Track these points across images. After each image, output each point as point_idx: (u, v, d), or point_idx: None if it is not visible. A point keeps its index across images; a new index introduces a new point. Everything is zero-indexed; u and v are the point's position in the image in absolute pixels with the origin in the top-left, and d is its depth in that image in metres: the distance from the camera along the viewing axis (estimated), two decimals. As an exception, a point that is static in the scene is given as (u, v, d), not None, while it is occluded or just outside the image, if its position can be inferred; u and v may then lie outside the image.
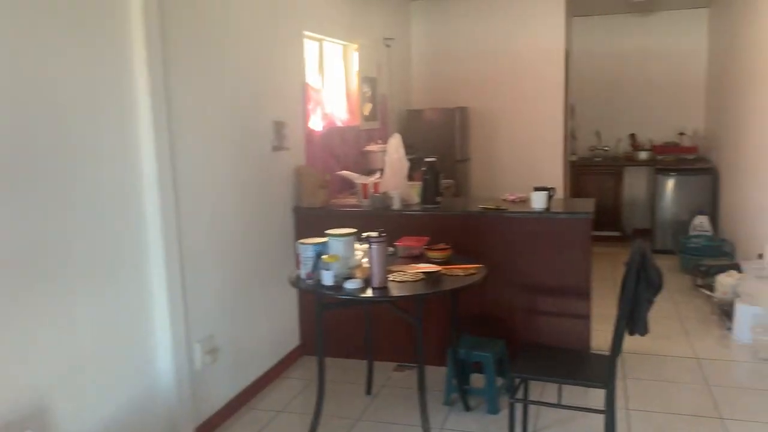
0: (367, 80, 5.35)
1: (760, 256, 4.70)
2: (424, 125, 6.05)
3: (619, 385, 3.56)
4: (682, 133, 7.46)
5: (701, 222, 6.24)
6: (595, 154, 7.86)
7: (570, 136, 7.68)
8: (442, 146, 5.97)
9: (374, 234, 2.73)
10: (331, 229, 2.91)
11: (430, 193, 3.87)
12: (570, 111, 7.52)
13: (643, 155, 7.35)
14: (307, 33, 4.26)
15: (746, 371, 3.84)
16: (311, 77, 4.45)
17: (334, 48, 4.97)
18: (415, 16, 6.60)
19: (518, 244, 3.68)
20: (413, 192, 4.08)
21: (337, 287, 2.74)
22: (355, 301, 2.88)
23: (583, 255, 3.60)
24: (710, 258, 5.63)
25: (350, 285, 2.71)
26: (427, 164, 3.89)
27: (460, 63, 6.46)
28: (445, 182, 5.36)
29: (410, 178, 4.20)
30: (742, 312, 4.16)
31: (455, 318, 3.31)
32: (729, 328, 4.35)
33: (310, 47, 4.48)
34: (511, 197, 4.10)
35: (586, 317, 3.67)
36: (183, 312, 2.94)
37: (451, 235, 3.52)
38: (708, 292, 4.90)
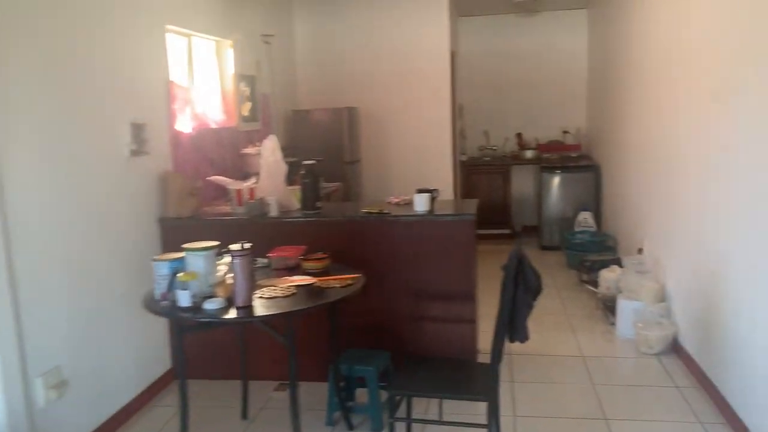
0: (245, 78, 5.05)
1: (640, 250, 4.81)
2: (311, 126, 5.81)
3: (506, 389, 3.48)
4: (566, 132, 7.64)
5: (585, 218, 6.38)
6: (484, 154, 7.91)
7: (460, 136, 7.69)
8: (330, 148, 5.76)
9: (237, 246, 2.47)
10: (200, 240, 2.62)
11: (310, 198, 3.64)
12: (459, 111, 7.52)
13: (529, 154, 7.46)
14: (170, 27, 3.91)
15: (629, 368, 3.88)
16: (177, 75, 4.09)
17: (205, 44, 4.63)
18: (298, 12, 6.35)
19: (402, 249, 3.52)
20: (294, 197, 3.83)
21: (196, 308, 2.45)
22: (216, 323, 2.60)
23: (467, 258, 3.49)
24: (594, 253, 5.74)
25: (210, 306, 2.43)
26: (306, 167, 3.65)
27: (347, 62, 6.27)
28: (332, 185, 5.14)
29: (293, 182, 3.95)
30: (624, 307, 4.21)
31: (334, 331, 3.09)
32: (613, 323, 4.40)
33: (176, 43, 4.13)
34: (395, 200, 3.94)
35: (472, 322, 3.56)
36: (16, 344, 2.54)
37: (333, 243, 3.31)
38: (592, 288, 4.98)
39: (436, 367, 2.73)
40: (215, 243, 2.61)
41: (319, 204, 3.65)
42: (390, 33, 6.20)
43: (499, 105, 7.89)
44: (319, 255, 3.04)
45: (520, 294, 2.47)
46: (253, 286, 2.54)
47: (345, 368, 3.16)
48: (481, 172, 7.53)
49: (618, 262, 5.26)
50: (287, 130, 5.86)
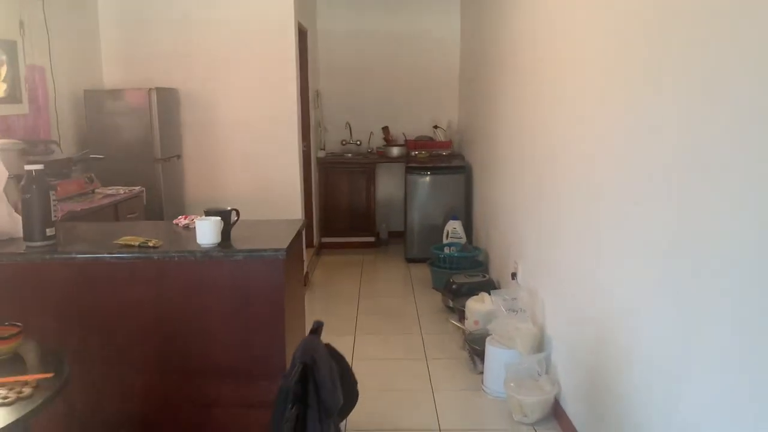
0: (1, 44, 3.65)
1: (513, 275, 3.95)
2: (111, 112, 4.47)
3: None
4: (436, 127, 6.76)
5: (454, 228, 5.50)
6: (346, 149, 6.87)
7: (318, 128, 6.58)
8: (135, 140, 4.47)
9: None
10: None
11: (35, 222, 2.38)
12: (315, 99, 6.40)
13: (396, 151, 6.50)
14: None
15: (499, 442, 2.97)
16: None
17: None
18: (100, -36, 4.96)
19: (176, 302, 2.37)
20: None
21: None
22: None
23: (273, 313, 2.39)
24: (463, 271, 4.87)
25: None
26: (29, 174, 2.39)
27: (165, 30, 4.96)
28: (125, 191, 3.87)
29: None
30: (493, 356, 3.30)
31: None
32: (482, 372, 3.49)
33: None
34: (184, 221, 2.77)
35: (284, 402, 2.47)
36: None
37: (64, 297, 2.14)
38: (456, 324, 4.05)
39: None
40: None
41: (50, 231, 2.41)
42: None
43: (363, 94, 6.87)
44: (6, 329, 1.83)
45: (311, 423, 1.40)
46: None
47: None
48: (341, 171, 6.48)
49: (489, 286, 4.39)
50: (76, 116, 4.49)
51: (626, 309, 2.24)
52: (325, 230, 6.55)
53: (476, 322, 3.87)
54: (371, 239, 6.57)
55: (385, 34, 6.76)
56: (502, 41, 4.48)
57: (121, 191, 3.86)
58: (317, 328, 1.60)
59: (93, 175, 3.75)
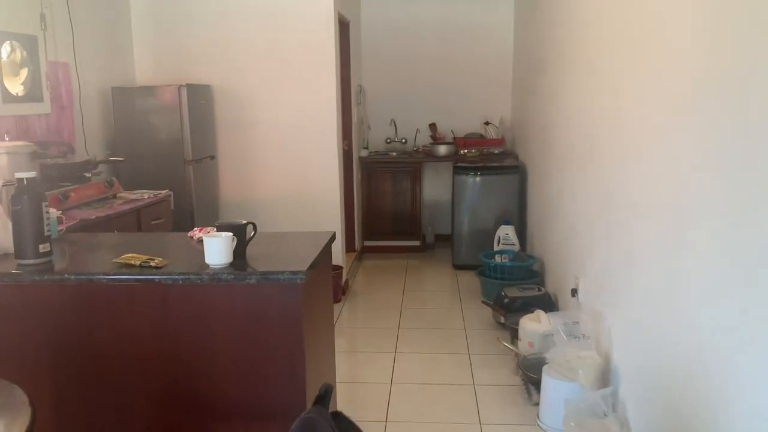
0: (20, 39, 3.43)
1: (574, 292, 3.51)
2: (140, 110, 4.23)
3: None
4: (487, 123, 6.32)
5: (507, 233, 5.07)
6: (390, 148, 6.51)
7: (361, 126, 6.24)
8: (165, 140, 4.22)
9: None
10: None
11: (27, 238, 2.10)
12: (357, 95, 6.06)
13: (443, 149, 6.09)
14: None
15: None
16: None
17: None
18: (132, -44, 4.73)
19: (179, 332, 2.05)
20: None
21: None
22: None
23: (291, 349, 2.04)
24: (516, 282, 4.45)
25: None
26: (20, 183, 2.11)
27: (201, 23, 4.70)
28: (158, 194, 3.61)
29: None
30: (551, 388, 2.89)
31: None
32: (537, 404, 3.08)
33: None
34: (198, 234, 2.46)
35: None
36: None
37: (57, 322, 1.87)
38: (507, 345, 3.64)
39: None
40: None
41: (43, 248, 2.12)
42: (256, -12, 4.67)
43: (410, 88, 6.49)
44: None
45: None
46: None
47: None
48: (385, 171, 6.12)
49: (545, 301, 3.97)
50: (104, 115, 4.26)
51: (725, 341, 1.80)
52: (368, 233, 6.21)
53: (531, 344, 3.45)
54: (416, 243, 6.20)
55: (433, 24, 6.36)
56: (563, 30, 4.03)
57: (146, 196, 3.60)
58: (324, 394, 1.25)
59: (114, 178, 3.49)
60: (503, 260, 4.88)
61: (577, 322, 3.00)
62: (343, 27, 5.56)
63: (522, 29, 5.79)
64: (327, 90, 4.70)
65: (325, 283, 2.48)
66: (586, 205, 3.35)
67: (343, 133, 5.71)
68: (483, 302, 4.13)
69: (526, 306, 3.94)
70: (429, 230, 6.36)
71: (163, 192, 3.78)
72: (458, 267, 5.56)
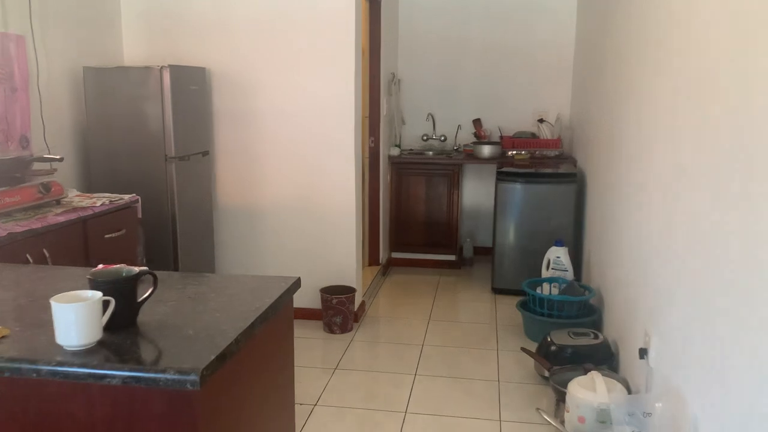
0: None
1: (643, 353, 2.62)
2: (117, 95, 3.52)
3: None
4: (541, 120, 5.40)
5: (558, 257, 4.17)
6: (427, 146, 5.67)
7: (393, 121, 5.43)
8: (142, 132, 3.51)
9: None
10: None
11: None
12: (391, 85, 5.24)
13: (487, 150, 5.21)
14: None
15: None
16: None
17: None
18: None
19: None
20: None
21: None
22: None
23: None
24: (568, 322, 3.58)
25: None
26: None
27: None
28: (121, 198, 2.90)
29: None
30: None
31: None
32: None
33: None
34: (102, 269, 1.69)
35: None
36: None
37: None
38: (550, 419, 2.75)
39: None
40: None
41: None
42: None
43: (453, 78, 5.62)
44: None
45: None
46: None
47: None
48: (419, 172, 5.28)
49: (604, 355, 3.09)
50: (75, 101, 3.58)
51: None
52: (396, 244, 5.39)
53: (581, 420, 2.58)
54: (451, 257, 5.35)
55: (481, 4, 5.47)
56: (640, 14, 3.11)
57: (99, 202, 2.87)
58: None
59: (52, 181, 2.77)
60: (552, 290, 4.00)
61: (649, 414, 2.11)
62: (374, 5, 4.75)
63: (586, 12, 4.84)
64: (344, 77, 3.89)
65: (274, 356, 1.68)
66: (669, 237, 2.44)
67: (370, 129, 4.92)
68: (523, 350, 3.27)
69: (578, 358, 3.09)
70: (467, 243, 5.50)
71: (126, 197, 3.05)
72: (498, 291, 4.69)
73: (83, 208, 2.75)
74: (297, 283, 1.75)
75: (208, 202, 3.98)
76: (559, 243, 4.19)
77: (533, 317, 3.78)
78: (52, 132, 3.35)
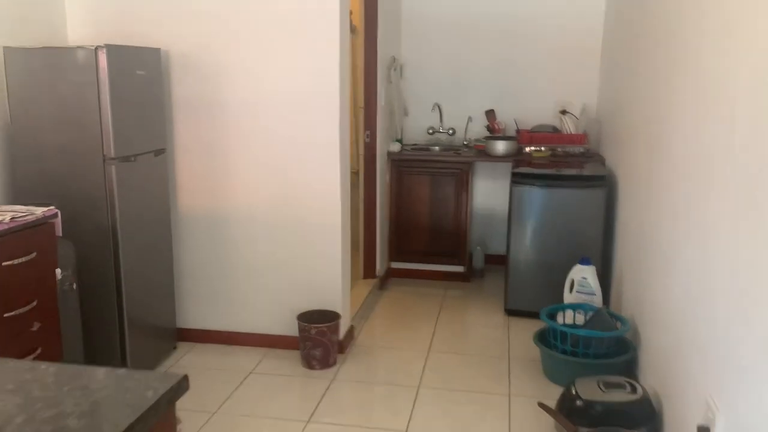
0: None
1: (704, 432, 1.93)
2: (45, 82, 2.88)
3: None
4: (564, 112, 4.68)
5: (584, 277, 3.47)
6: (433, 140, 4.98)
7: (393, 111, 4.76)
8: (76, 127, 2.86)
9: None
10: None
11: None
12: (391, 71, 4.55)
13: (501, 146, 4.50)
14: None
15: None
16: None
17: None
18: None
19: None
20: None
21: None
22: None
23: None
24: (596, 362, 2.91)
25: None
26: None
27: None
28: (31, 213, 2.26)
29: None
30: None
31: None
32: None
33: None
34: None
35: None
36: None
37: None
38: None
39: None
40: None
41: None
42: None
43: (464, 63, 4.92)
44: None
45: None
46: None
47: None
48: (422, 171, 4.60)
49: (644, 417, 2.42)
50: (-6, 87, 2.94)
51: None
52: (397, 253, 4.72)
53: None
54: (459, 269, 4.68)
55: (497, -23, 4.76)
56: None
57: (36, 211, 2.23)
58: None
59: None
60: (576, 317, 3.31)
61: None
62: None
63: (620, -18, 4.11)
64: (327, 60, 3.22)
65: None
66: (755, 283, 1.75)
67: (366, 121, 4.25)
68: (540, 406, 2.59)
69: (611, 418, 2.42)
70: (477, 251, 4.82)
71: (39, 211, 2.41)
72: (512, 313, 4.02)
73: (-31, 229, 2.12)
74: (180, 387, 1.09)
75: (163, 210, 3.34)
76: (585, 261, 3.49)
77: (554, 355, 3.10)
78: (-41, 127, 2.72)
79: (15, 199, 2.93)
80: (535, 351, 3.34)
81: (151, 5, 3.30)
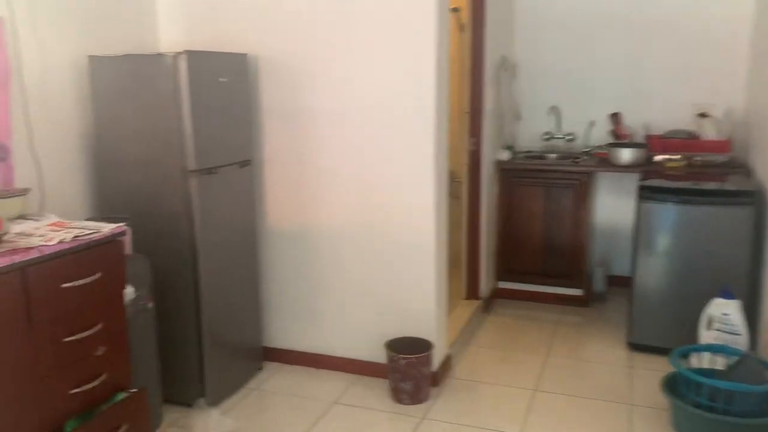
0: None
1: None
2: (126, 92, 2.78)
3: None
4: (703, 115, 4.05)
5: (726, 313, 2.90)
6: (549, 147, 4.51)
7: (504, 116, 4.35)
8: (155, 138, 2.74)
9: None
10: None
11: None
12: (501, 70, 4.16)
13: (627, 154, 3.96)
14: None
15: None
16: None
17: None
18: None
19: None
20: None
21: None
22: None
23: None
24: (743, 421, 2.37)
25: None
26: None
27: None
28: (98, 231, 2.14)
29: None
30: None
31: None
32: None
33: None
34: None
35: None
36: None
37: None
38: None
39: None
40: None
41: None
42: None
43: (585, 63, 4.42)
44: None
45: None
46: None
47: None
48: (536, 182, 4.15)
49: None
50: (78, 98, 2.87)
51: None
52: (504, 272, 4.30)
53: None
54: (577, 292, 4.17)
55: (624, -36, 4.22)
56: None
57: (55, 240, 2.11)
58: None
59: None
60: (716, 363, 2.76)
61: None
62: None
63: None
64: (422, 64, 2.89)
65: None
66: None
67: (471, 127, 3.89)
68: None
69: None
70: (599, 272, 4.29)
71: (106, 228, 2.27)
72: (637, 348, 3.48)
73: (26, 249, 2.00)
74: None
75: (249, 224, 3.16)
76: (727, 294, 2.92)
77: (686, 408, 2.57)
78: (42, 139, 2.66)
79: (96, 212, 2.85)
80: (662, 400, 2.81)
81: (243, 11, 3.14)
